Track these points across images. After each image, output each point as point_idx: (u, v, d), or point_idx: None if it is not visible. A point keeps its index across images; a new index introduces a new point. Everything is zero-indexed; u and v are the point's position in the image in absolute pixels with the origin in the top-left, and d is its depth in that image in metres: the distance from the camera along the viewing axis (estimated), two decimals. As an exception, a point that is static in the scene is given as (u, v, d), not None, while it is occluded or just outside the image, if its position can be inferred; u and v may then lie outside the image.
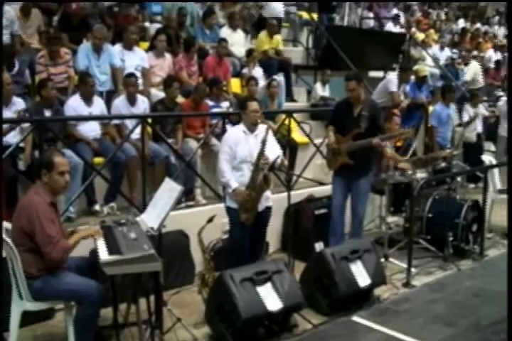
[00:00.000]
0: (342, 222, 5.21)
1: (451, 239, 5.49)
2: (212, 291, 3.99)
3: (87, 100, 5.29)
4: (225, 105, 6.39)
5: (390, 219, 5.96)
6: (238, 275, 3.80)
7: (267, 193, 4.47)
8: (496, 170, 6.67)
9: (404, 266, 5.12)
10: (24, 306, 3.41)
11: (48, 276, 3.40)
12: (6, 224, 3.50)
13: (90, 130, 5.28)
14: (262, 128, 4.45)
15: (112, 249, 3.39)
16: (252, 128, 4.42)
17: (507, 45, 10.62)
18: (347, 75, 5.08)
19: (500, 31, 14.97)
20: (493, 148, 8.91)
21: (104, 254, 3.35)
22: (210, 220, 4.21)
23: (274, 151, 4.42)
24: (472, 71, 10.37)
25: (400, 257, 5.40)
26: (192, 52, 6.81)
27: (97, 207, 5.11)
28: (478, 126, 8.33)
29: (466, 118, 8.07)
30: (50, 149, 4.49)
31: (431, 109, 7.71)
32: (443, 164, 6.22)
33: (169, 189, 3.83)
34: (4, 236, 3.35)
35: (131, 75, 5.54)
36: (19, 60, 5.52)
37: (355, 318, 4.26)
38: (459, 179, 6.37)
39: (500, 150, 8.46)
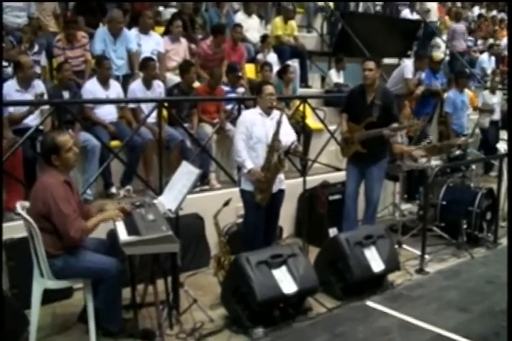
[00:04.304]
0: (355, 209, 5.23)
1: (465, 226, 5.49)
2: (228, 274, 4.04)
3: (104, 83, 5.31)
4: (240, 91, 6.40)
5: (404, 206, 5.97)
6: (254, 258, 3.83)
7: (281, 176, 4.51)
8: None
9: (418, 252, 5.14)
10: (45, 284, 3.47)
11: (68, 255, 3.45)
12: (25, 203, 3.56)
13: (107, 113, 5.31)
14: (277, 112, 4.46)
15: (131, 229, 3.43)
16: (267, 111, 4.45)
17: (507, 45, 10.51)
18: (367, 57, 5.07)
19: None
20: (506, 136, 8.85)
21: (123, 235, 3.39)
22: (227, 203, 4.23)
23: (289, 136, 4.46)
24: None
25: (414, 244, 5.43)
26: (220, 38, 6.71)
27: (113, 190, 5.16)
28: (495, 114, 8.26)
29: (479, 104, 8.02)
30: (48, 133, 4.46)
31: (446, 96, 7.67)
32: (458, 152, 6.21)
33: (187, 172, 3.86)
34: (25, 215, 3.40)
35: (150, 59, 5.56)
36: (38, 43, 5.55)
37: (369, 303, 4.29)
38: (473, 167, 6.33)
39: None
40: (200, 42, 6.82)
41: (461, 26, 10.94)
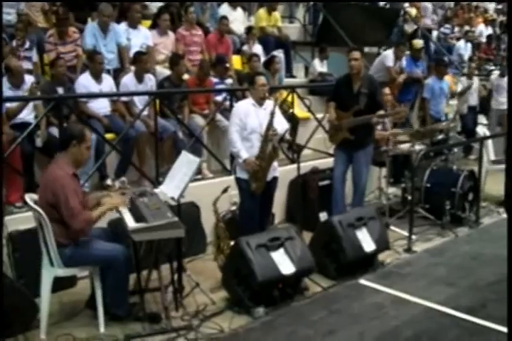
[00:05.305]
0: (343, 191, 5.44)
1: (448, 207, 5.75)
2: (229, 257, 4.21)
3: (97, 78, 5.42)
4: (228, 82, 6.54)
5: (389, 190, 6.21)
6: (253, 242, 4.01)
7: (274, 163, 4.67)
8: (489, 142, 6.92)
9: (405, 233, 5.38)
10: (55, 272, 3.61)
11: (77, 244, 3.58)
12: (33, 195, 3.69)
13: (100, 107, 5.43)
14: (269, 102, 4.63)
15: (138, 217, 3.60)
16: (260, 102, 4.60)
17: (507, 44, 10.83)
18: (351, 47, 5.27)
19: (491, 5, 15.07)
20: (484, 120, 9.15)
21: (130, 222, 3.55)
22: (225, 191, 4.41)
23: (282, 124, 4.62)
24: None
25: (400, 226, 5.67)
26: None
27: (108, 182, 5.23)
28: (473, 99, 8.53)
29: (459, 89, 8.30)
30: (76, 122, 4.60)
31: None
32: (440, 136, 6.46)
33: (186, 161, 4.03)
34: (34, 205, 3.54)
35: (143, 53, 5.69)
36: (29, 39, 5.62)
37: (362, 281, 4.52)
38: (455, 150, 6.59)
39: (493, 123, 8.72)
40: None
41: (428, 4, 11.45)
